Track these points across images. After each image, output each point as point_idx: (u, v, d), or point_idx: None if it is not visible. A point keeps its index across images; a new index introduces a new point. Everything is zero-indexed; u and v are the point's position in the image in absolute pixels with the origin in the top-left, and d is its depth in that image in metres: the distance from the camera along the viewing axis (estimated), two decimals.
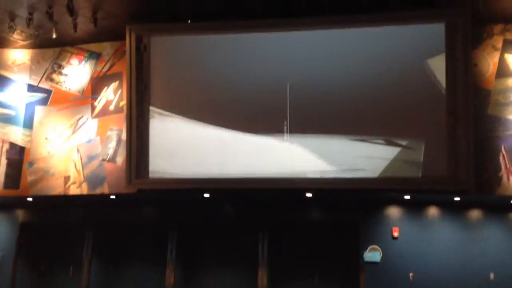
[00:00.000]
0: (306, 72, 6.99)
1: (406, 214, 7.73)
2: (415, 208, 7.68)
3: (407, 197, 7.36)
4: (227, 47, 7.20)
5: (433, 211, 7.73)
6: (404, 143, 6.75)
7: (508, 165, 6.65)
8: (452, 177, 6.56)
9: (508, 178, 6.63)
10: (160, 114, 7.30)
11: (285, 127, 6.99)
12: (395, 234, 7.62)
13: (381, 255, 7.54)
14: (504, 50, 6.83)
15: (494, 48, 6.86)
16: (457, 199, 7.30)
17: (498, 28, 6.88)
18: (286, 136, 6.99)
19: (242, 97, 7.10)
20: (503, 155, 6.67)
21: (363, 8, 6.64)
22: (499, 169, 6.66)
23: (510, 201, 7.21)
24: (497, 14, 6.65)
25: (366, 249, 7.59)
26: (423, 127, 6.68)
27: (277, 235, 8.08)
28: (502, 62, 6.82)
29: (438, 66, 6.65)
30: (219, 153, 7.12)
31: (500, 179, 6.65)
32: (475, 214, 7.71)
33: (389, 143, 6.76)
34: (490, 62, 6.85)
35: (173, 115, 7.26)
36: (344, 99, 6.87)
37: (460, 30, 6.57)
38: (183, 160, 7.21)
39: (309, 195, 7.36)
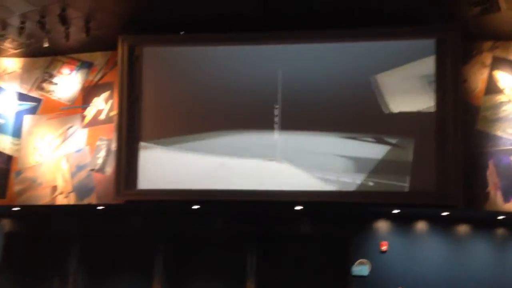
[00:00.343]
0: (298, 84, 7.05)
1: (395, 228, 7.75)
2: (403, 222, 7.71)
3: (395, 211, 7.39)
4: (220, 59, 7.24)
5: (421, 225, 7.76)
6: (393, 141, 6.80)
7: (495, 181, 6.72)
8: (440, 191, 6.61)
9: (496, 194, 6.70)
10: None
11: (275, 125, 7.03)
12: (384, 248, 7.63)
13: (369, 269, 7.54)
14: (493, 67, 6.94)
15: (483, 65, 6.97)
16: (445, 214, 7.34)
17: (487, 45, 6.99)
18: (276, 133, 7.02)
19: (232, 106, 7.14)
20: (491, 171, 6.74)
21: (354, 22, 6.72)
22: (487, 184, 6.72)
23: (497, 217, 7.27)
24: (486, 31, 6.77)
25: (354, 263, 7.58)
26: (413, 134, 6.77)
27: (265, 248, 8.05)
28: (491, 79, 6.93)
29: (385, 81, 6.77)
30: (209, 165, 7.09)
31: (487, 194, 6.71)
32: (463, 229, 7.76)
33: (379, 141, 6.81)
34: (479, 78, 6.96)
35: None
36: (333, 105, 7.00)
37: (450, 46, 6.67)
38: (172, 171, 7.18)
39: (298, 208, 7.36)
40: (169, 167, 7.21)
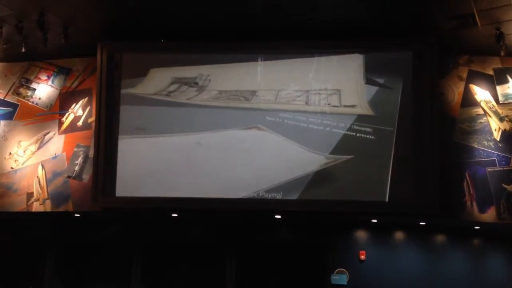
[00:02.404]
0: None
1: (373, 237, 7.81)
2: (381, 232, 7.78)
3: (374, 220, 7.45)
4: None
5: (399, 235, 7.84)
6: None
7: (471, 192, 6.82)
8: (418, 201, 6.68)
9: (472, 204, 6.80)
10: (129, 131, 7.22)
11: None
12: (362, 257, 7.67)
13: (348, 278, 7.56)
14: (469, 80, 7.07)
15: (460, 78, 7.10)
16: (422, 223, 7.42)
17: (463, 59, 7.13)
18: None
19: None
20: (467, 182, 6.85)
21: (332, 35, 6.77)
22: (463, 195, 6.83)
23: (473, 227, 7.38)
24: (462, 45, 6.90)
25: (333, 272, 7.61)
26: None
27: (245, 256, 8.05)
28: (467, 92, 7.06)
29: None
30: (189, 172, 7.06)
31: (464, 205, 6.81)
32: (440, 238, 7.86)
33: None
34: (455, 91, 7.08)
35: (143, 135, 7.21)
36: None
37: (427, 59, 6.77)
38: (151, 178, 7.13)
39: (278, 216, 7.37)
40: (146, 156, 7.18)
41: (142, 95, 7.31)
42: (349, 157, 6.85)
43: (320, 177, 6.85)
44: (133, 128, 7.22)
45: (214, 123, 7.15)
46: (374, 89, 6.97)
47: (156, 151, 7.19)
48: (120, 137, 7.21)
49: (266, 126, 7.09)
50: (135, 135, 7.21)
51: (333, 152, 6.90)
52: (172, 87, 7.28)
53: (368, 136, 6.88)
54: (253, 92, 7.17)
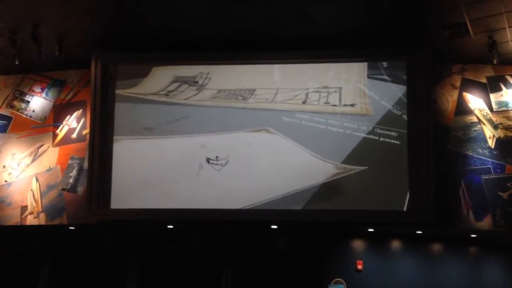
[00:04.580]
0: None
1: (370, 247, 7.79)
2: (378, 241, 7.77)
3: (370, 229, 7.43)
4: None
5: (396, 244, 7.83)
6: None
7: (467, 200, 6.82)
8: (414, 210, 6.66)
9: (468, 213, 6.79)
10: (125, 139, 7.17)
11: None
12: (359, 267, 7.64)
13: None
14: (462, 88, 7.11)
15: (453, 87, 7.13)
16: (419, 232, 7.41)
17: (456, 67, 7.16)
18: None
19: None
20: (463, 190, 6.85)
21: (325, 43, 6.81)
22: (459, 203, 6.82)
23: (470, 235, 7.38)
24: (455, 54, 6.94)
25: (330, 282, 7.57)
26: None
27: (241, 267, 8.00)
28: (461, 100, 7.08)
29: None
30: (186, 180, 7.00)
31: (460, 213, 6.80)
32: (436, 247, 7.85)
33: None
34: (449, 99, 7.11)
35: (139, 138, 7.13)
36: None
37: (421, 68, 6.81)
38: (146, 190, 7.08)
39: (274, 227, 7.34)
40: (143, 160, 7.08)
41: (141, 95, 7.24)
42: (362, 168, 6.71)
43: (327, 189, 6.69)
44: (138, 129, 7.12)
45: (220, 124, 6.99)
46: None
47: (153, 158, 7.12)
48: (115, 138, 7.11)
49: (276, 128, 6.88)
50: (134, 137, 7.11)
51: (346, 161, 6.74)
52: (172, 86, 7.20)
53: (392, 141, 6.74)
54: (273, 91, 6.96)
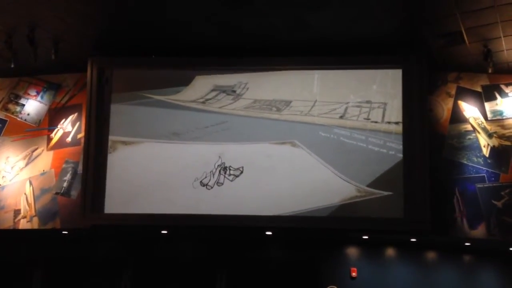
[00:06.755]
0: None
1: (364, 254, 7.78)
2: (373, 248, 7.76)
3: (365, 237, 7.42)
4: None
5: (390, 251, 7.82)
6: None
7: (462, 208, 6.83)
8: (409, 218, 6.66)
9: (462, 221, 6.80)
10: (121, 142, 7.15)
11: None
12: (354, 274, 7.63)
13: None
14: (457, 97, 7.14)
15: (448, 95, 7.16)
16: (413, 240, 7.41)
17: (452, 75, 7.20)
18: None
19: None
20: (457, 198, 6.86)
21: (320, 51, 6.83)
22: (454, 211, 6.83)
23: (464, 243, 7.38)
24: (451, 62, 6.98)
25: None
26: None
27: (235, 273, 7.97)
28: (456, 108, 7.11)
29: None
30: (185, 191, 6.98)
31: (455, 221, 6.82)
32: (431, 255, 7.85)
33: None
34: (444, 108, 7.13)
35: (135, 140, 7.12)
36: None
37: (416, 76, 6.83)
38: (141, 195, 7.06)
39: (268, 233, 7.32)
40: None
41: (181, 102, 7.20)
42: (385, 193, 6.59)
43: (342, 211, 6.56)
44: (167, 133, 7.10)
45: (245, 134, 6.93)
46: None
47: (154, 163, 7.10)
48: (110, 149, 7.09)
49: (303, 142, 6.73)
50: (167, 140, 7.08)
51: (372, 185, 6.62)
52: (210, 95, 7.16)
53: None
54: (310, 103, 6.83)
